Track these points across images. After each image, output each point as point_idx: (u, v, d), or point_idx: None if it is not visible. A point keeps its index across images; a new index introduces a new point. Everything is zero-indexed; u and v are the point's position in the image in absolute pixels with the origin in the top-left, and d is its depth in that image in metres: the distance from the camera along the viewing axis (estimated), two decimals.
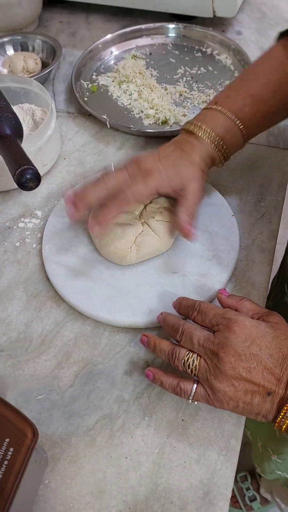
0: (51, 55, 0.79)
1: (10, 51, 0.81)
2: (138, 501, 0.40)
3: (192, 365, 0.40)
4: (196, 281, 0.52)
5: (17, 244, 0.58)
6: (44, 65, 0.79)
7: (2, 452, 0.34)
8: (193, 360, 0.40)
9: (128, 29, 0.82)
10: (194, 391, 0.40)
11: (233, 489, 1.13)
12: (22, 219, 0.60)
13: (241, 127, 0.52)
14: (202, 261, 0.53)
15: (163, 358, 0.43)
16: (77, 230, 0.57)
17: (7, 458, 0.34)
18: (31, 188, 0.48)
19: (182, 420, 0.44)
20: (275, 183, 0.62)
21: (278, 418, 0.37)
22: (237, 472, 1.15)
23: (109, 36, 0.81)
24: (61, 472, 0.42)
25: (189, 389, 0.40)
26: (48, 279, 0.54)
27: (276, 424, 0.38)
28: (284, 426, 0.37)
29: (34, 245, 0.57)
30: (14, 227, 0.59)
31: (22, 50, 0.81)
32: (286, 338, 0.39)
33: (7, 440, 0.35)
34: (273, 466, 0.76)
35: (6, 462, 0.34)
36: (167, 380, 0.42)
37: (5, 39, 0.80)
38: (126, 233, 0.52)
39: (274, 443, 0.71)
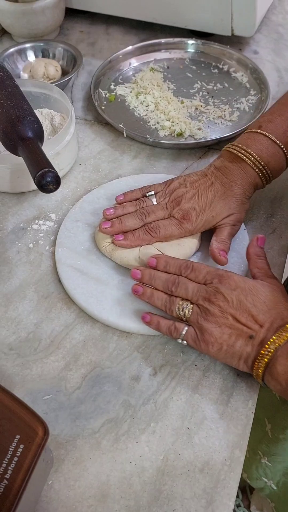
0: (71, 63, 0.81)
1: (31, 57, 0.83)
2: (141, 507, 0.40)
3: (186, 309, 0.45)
4: None
5: (31, 245, 0.58)
6: (64, 72, 0.81)
7: (12, 448, 0.35)
8: (187, 306, 0.45)
9: (148, 42, 0.84)
10: (185, 330, 0.45)
11: None
12: (36, 221, 0.61)
13: (285, 151, 0.53)
14: None
15: (159, 305, 0.47)
16: (90, 234, 0.58)
17: (17, 454, 0.34)
18: (51, 191, 0.49)
19: (188, 428, 0.44)
20: (286, 200, 0.63)
21: (257, 361, 0.41)
22: None
23: (129, 47, 0.83)
24: (65, 473, 0.42)
25: (181, 328, 0.45)
26: (59, 281, 0.54)
27: (255, 367, 0.42)
28: (260, 370, 0.41)
29: (47, 247, 0.58)
30: (28, 228, 0.60)
31: (43, 56, 0.83)
32: (272, 293, 0.44)
33: (18, 436, 0.35)
34: (261, 471, 0.76)
35: (16, 459, 0.34)
36: (163, 321, 0.46)
37: (27, 45, 0.82)
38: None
39: (266, 445, 0.71)
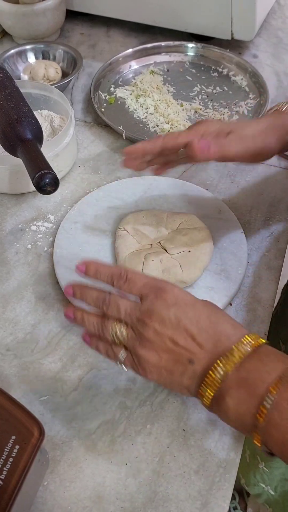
0: (71, 65, 0.81)
1: (31, 58, 0.83)
2: (136, 508, 0.40)
3: (120, 335, 0.39)
4: (203, 293, 0.52)
5: (29, 246, 0.59)
6: (64, 74, 0.81)
7: (8, 449, 0.35)
8: (121, 330, 0.39)
9: (148, 45, 0.85)
10: (122, 356, 0.39)
11: None
12: (35, 222, 0.61)
13: None
14: (210, 274, 0.54)
15: (92, 331, 0.41)
16: (88, 236, 0.58)
17: (13, 455, 0.35)
18: (49, 192, 0.49)
19: (184, 430, 0.45)
20: (284, 204, 0.63)
21: (201, 390, 0.36)
22: None
23: (129, 50, 0.83)
24: (61, 474, 0.42)
25: (118, 353, 0.40)
26: (57, 282, 0.55)
27: (199, 396, 0.37)
28: (204, 398, 0.36)
29: (45, 248, 0.58)
30: (27, 229, 0.60)
31: (43, 58, 0.83)
32: (214, 309, 0.39)
33: (13, 437, 0.35)
34: (258, 477, 0.76)
35: (11, 460, 0.34)
36: (101, 344, 0.41)
37: (27, 47, 0.82)
38: (150, 264, 0.52)
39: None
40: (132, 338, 0.39)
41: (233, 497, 1.17)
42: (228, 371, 0.35)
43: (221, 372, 0.35)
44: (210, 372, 0.35)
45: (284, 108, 0.50)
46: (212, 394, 0.35)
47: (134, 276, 0.40)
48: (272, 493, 0.77)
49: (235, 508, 1.16)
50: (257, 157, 0.48)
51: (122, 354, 0.39)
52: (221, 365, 0.35)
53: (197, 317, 0.37)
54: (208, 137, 0.47)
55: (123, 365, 0.40)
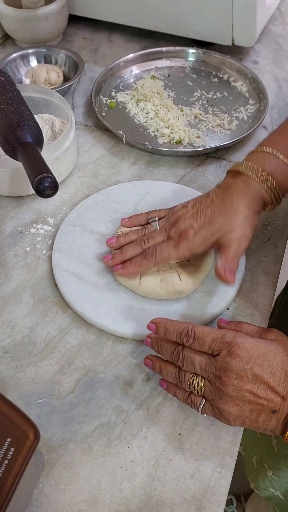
0: (73, 69, 0.81)
1: (33, 62, 0.84)
2: None
3: (198, 387, 0.41)
4: (201, 297, 0.53)
5: (28, 249, 0.59)
6: (66, 78, 0.82)
7: (3, 451, 0.35)
8: (198, 383, 0.41)
9: (149, 50, 0.85)
10: (202, 405, 0.41)
11: None
12: (34, 225, 0.61)
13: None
14: (207, 279, 0.54)
15: (170, 380, 0.43)
16: (87, 239, 0.58)
17: (8, 458, 0.35)
18: (48, 196, 0.49)
19: (179, 434, 0.45)
20: (282, 209, 0.63)
21: (286, 434, 0.39)
22: None
23: (131, 55, 0.84)
24: (56, 477, 0.42)
25: (198, 403, 0.41)
26: (55, 285, 0.55)
27: (284, 439, 0.39)
28: None
29: (44, 251, 0.59)
30: (26, 232, 0.61)
31: (45, 62, 0.84)
32: (287, 354, 0.40)
33: (9, 439, 0.35)
34: (267, 483, 0.76)
35: (6, 462, 0.34)
36: (179, 391, 0.43)
37: (29, 51, 0.83)
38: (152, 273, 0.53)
39: (271, 459, 0.71)
40: (211, 392, 0.40)
41: (231, 502, 1.16)
42: None
43: None
44: None
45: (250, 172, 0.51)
46: None
47: (201, 333, 0.41)
48: (282, 497, 0.77)
49: None
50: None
51: (202, 403, 0.41)
52: None
53: (272, 369, 0.39)
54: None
55: (203, 413, 0.42)
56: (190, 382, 0.41)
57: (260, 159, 0.51)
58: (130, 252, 0.52)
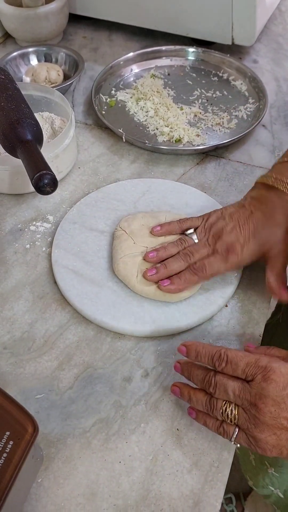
0: (73, 68, 0.82)
1: (34, 61, 0.84)
2: (129, 506, 0.41)
3: (231, 415, 0.39)
4: (199, 294, 0.53)
5: (27, 246, 0.59)
6: (66, 77, 0.82)
7: (1, 444, 0.35)
8: (231, 410, 0.39)
9: (149, 49, 0.86)
10: (236, 435, 0.40)
11: None
12: (34, 223, 0.62)
13: None
14: None
15: (201, 409, 0.42)
16: (87, 237, 0.58)
17: (6, 451, 0.35)
18: (48, 193, 0.49)
19: (177, 429, 0.45)
20: None
21: None
22: None
23: (130, 54, 0.84)
24: (55, 471, 0.43)
25: (231, 432, 0.40)
26: (55, 282, 0.55)
27: None
28: None
29: (44, 248, 0.59)
30: (26, 229, 0.61)
31: (45, 61, 0.84)
32: None
33: (8, 433, 0.36)
34: (267, 480, 0.76)
35: (5, 455, 0.35)
36: (209, 420, 0.41)
37: (30, 50, 0.83)
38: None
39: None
40: (246, 420, 0.39)
41: (230, 501, 1.17)
42: None
43: None
44: None
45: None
46: None
47: (235, 356, 0.40)
48: (281, 496, 0.77)
49: None
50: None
51: (235, 433, 0.40)
52: None
53: None
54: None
55: (236, 444, 0.40)
56: (223, 410, 0.40)
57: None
58: (176, 267, 0.51)
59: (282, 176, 0.51)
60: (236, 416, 0.39)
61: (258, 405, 0.38)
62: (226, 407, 0.40)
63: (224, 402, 0.40)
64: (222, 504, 1.10)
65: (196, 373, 0.42)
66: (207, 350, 0.42)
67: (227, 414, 0.39)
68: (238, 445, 0.40)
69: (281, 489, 0.77)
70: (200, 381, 0.42)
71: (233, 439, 0.40)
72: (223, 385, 0.40)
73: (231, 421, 0.40)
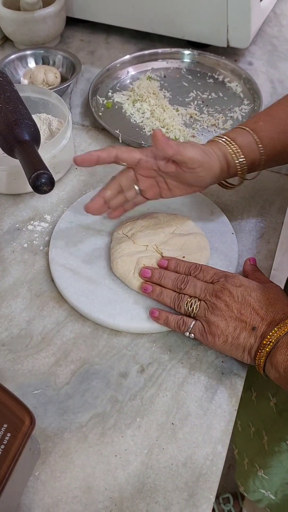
0: (70, 70, 0.83)
1: (31, 63, 0.85)
2: (125, 498, 0.42)
3: (194, 305, 0.48)
4: None
5: (25, 245, 0.60)
6: (63, 79, 0.83)
7: None
8: (195, 302, 0.49)
9: (145, 52, 0.87)
10: (193, 324, 0.48)
11: (214, 511, 1.13)
12: (32, 222, 0.62)
13: (259, 145, 0.53)
14: None
15: (167, 303, 0.50)
16: (83, 236, 0.59)
17: (4, 443, 0.36)
18: (45, 192, 0.50)
19: (172, 423, 0.46)
20: (275, 206, 0.64)
21: (259, 351, 0.45)
22: (219, 494, 1.14)
23: (127, 56, 0.85)
24: (52, 465, 0.43)
25: (189, 322, 0.48)
26: (52, 280, 0.56)
27: (257, 357, 0.45)
28: (262, 360, 0.45)
29: (41, 247, 0.60)
30: (23, 229, 0.62)
31: (43, 63, 0.85)
32: (273, 292, 0.48)
33: (5, 425, 0.36)
34: (257, 484, 0.77)
35: (2, 447, 0.36)
36: (171, 316, 0.49)
37: (27, 52, 0.84)
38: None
39: (263, 457, 0.72)
40: (204, 309, 0.48)
41: (228, 500, 1.17)
42: (280, 335, 0.44)
43: (276, 336, 0.44)
44: (268, 336, 0.44)
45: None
46: (267, 351, 0.44)
47: (207, 267, 0.51)
48: (273, 497, 0.78)
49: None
50: (204, 169, 0.51)
51: (193, 322, 0.48)
52: (276, 330, 0.44)
53: (259, 297, 0.47)
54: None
55: (192, 334, 0.48)
56: (188, 301, 0.49)
57: (232, 133, 0.54)
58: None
59: (223, 136, 0.54)
60: (198, 307, 0.48)
61: (218, 294, 0.48)
62: (191, 300, 0.49)
63: (190, 297, 0.49)
64: (220, 503, 1.11)
65: (169, 274, 0.51)
66: (185, 263, 0.52)
67: (191, 304, 0.49)
68: (192, 336, 0.48)
69: (272, 490, 0.77)
70: (172, 280, 0.51)
71: (190, 329, 0.48)
72: (193, 282, 0.50)
73: (192, 312, 0.49)
